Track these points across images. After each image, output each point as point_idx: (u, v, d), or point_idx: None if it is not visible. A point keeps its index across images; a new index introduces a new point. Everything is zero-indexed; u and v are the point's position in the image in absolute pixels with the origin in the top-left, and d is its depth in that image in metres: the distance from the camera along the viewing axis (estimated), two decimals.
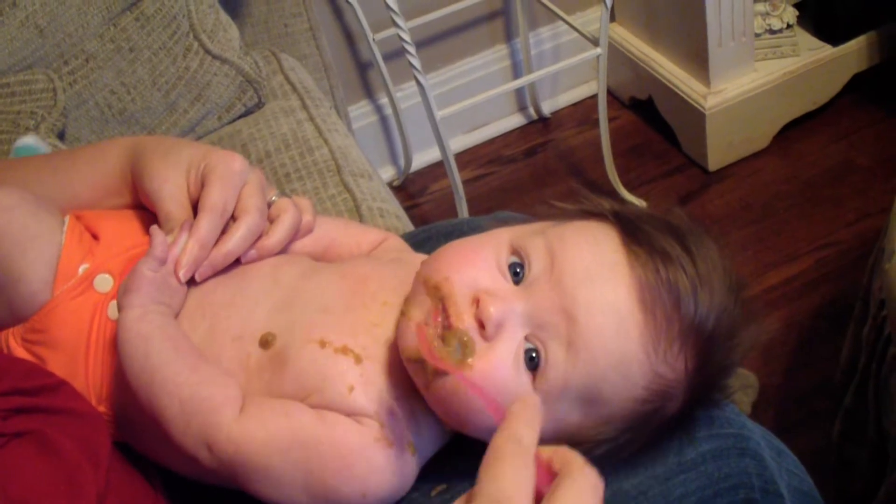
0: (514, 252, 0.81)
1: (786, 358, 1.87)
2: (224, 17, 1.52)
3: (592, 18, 2.41)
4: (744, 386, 1.72)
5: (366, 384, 0.82)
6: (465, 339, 0.77)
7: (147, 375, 0.80)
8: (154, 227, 0.87)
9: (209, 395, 0.79)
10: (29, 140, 1.19)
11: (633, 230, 0.80)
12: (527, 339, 0.78)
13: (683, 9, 2.18)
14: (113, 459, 0.83)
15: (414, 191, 2.41)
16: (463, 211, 2.11)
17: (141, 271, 0.84)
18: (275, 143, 1.43)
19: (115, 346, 0.84)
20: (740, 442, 0.85)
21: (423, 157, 2.43)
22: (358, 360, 0.82)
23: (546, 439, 0.77)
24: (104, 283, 0.89)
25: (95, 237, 0.92)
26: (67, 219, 0.92)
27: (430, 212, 2.34)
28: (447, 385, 0.77)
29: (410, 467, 0.83)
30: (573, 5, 2.43)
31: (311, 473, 0.78)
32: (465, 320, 0.77)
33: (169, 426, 0.79)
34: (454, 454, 0.86)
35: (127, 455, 0.88)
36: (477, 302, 0.78)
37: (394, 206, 1.36)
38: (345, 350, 0.83)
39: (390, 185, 2.41)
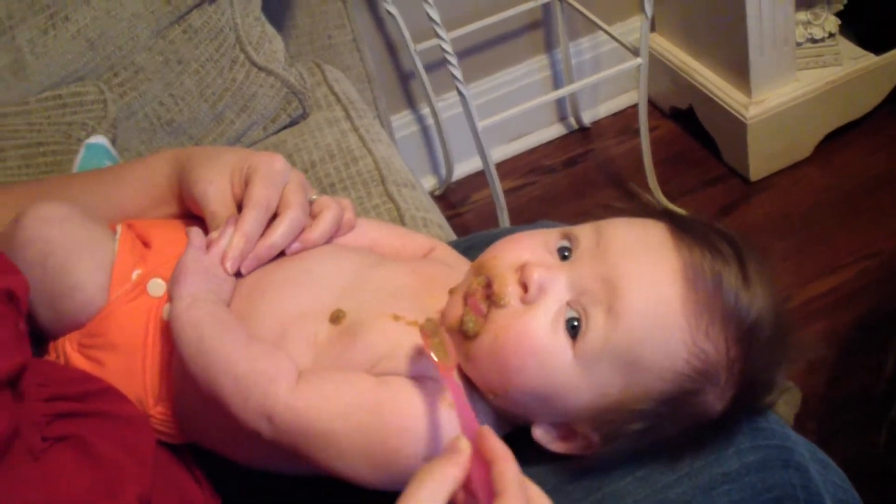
0: (564, 237, 0.85)
1: (827, 369, 1.86)
2: (269, 29, 1.54)
3: (632, 28, 2.41)
4: (786, 397, 1.71)
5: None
6: (501, 301, 0.80)
7: (202, 359, 0.81)
8: (190, 228, 0.90)
9: (264, 368, 0.80)
10: (99, 138, 1.23)
11: (683, 226, 0.83)
12: (569, 305, 0.80)
13: (724, 18, 2.18)
14: (158, 461, 0.85)
15: (455, 200, 2.42)
16: (504, 220, 2.12)
17: (185, 262, 0.86)
18: (319, 153, 1.45)
19: (170, 347, 0.87)
20: (785, 454, 0.85)
21: (464, 166, 2.44)
22: (427, 343, 0.84)
23: (587, 410, 0.81)
24: (157, 287, 0.91)
25: (147, 244, 0.95)
26: (120, 227, 0.95)
27: (471, 221, 2.35)
28: (482, 345, 0.80)
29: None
30: (613, 15, 2.43)
31: (373, 437, 0.79)
32: (507, 285, 0.81)
33: (229, 404, 0.80)
34: None
35: (177, 459, 0.90)
36: (521, 269, 0.81)
37: (436, 215, 1.37)
38: (416, 324, 0.84)
39: (431, 194, 2.42)
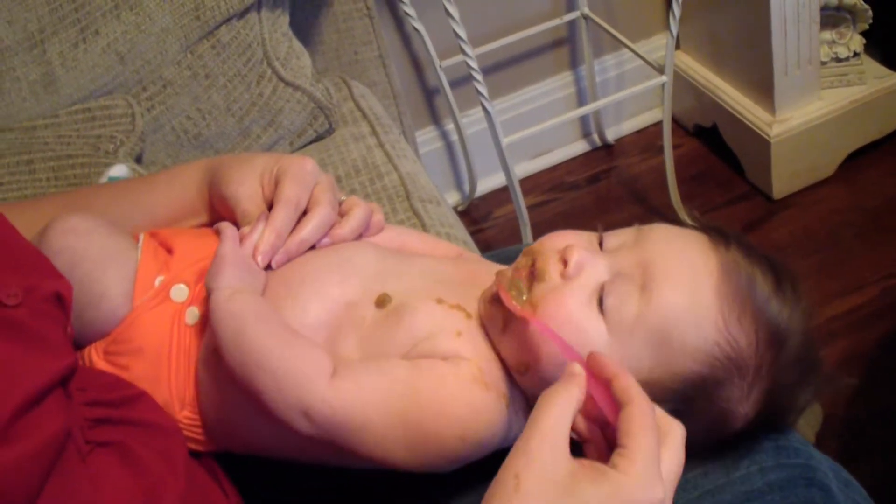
0: (602, 235, 0.88)
1: (850, 390, 1.86)
2: (297, 45, 1.56)
3: (657, 46, 2.42)
4: (807, 415, 1.71)
5: (472, 334, 0.86)
6: (543, 276, 0.84)
7: (240, 352, 0.82)
8: (222, 223, 0.92)
9: (300, 364, 0.81)
10: (121, 170, 1.23)
11: (721, 237, 0.86)
12: (605, 286, 0.83)
13: (749, 37, 2.18)
14: (189, 470, 0.86)
15: (478, 216, 2.43)
16: (527, 236, 2.12)
17: (223, 253, 0.87)
18: (345, 168, 1.46)
19: (195, 351, 0.89)
20: (807, 472, 0.86)
21: (488, 182, 2.45)
22: (468, 316, 0.87)
23: None
24: (180, 292, 0.92)
25: (169, 251, 0.96)
26: (142, 236, 0.96)
27: (494, 237, 2.35)
28: (519, 326, 0.83)
29: (505, 417, 0.84)
30: (638, 33, 2.44)
31: (410, 422, 0.80)
32: (549, 263, 0.85)
33: (265, 398, 0.81)
34: None
35: (203, 468, 0.90)
36: (564, 251, 0.85)
37: (461, 231, 1.38)
38: (458, 307, 0.87)
39: (455, 209, 2.43)
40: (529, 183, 2.46)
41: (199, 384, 0.89)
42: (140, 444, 0.80)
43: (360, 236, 0.96)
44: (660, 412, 0.73)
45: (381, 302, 0.88)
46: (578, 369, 0.73)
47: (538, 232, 2.19)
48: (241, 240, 0.90)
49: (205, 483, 0.89)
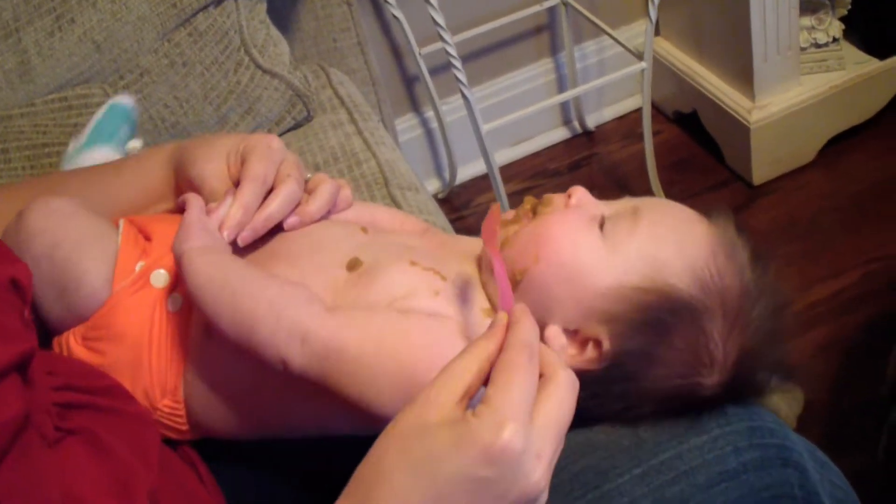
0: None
1: (831, 374, 1.86)
2: (274, 32, 1.55)
3: (637, 33, 2.42)
4: (788, 399, 1.71)
5: (449, 294, 0.86)
6: (547, 205, 0.90)
7: (229, 290, 0.82)
8: (188, 194, 0.92)
9: (296, 291, 0.82)
10: (125, 99, 1.22)
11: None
12: (604, 217, 0.88)
13: (729, 23, 2.19)
14: (163, 459, 0.85)
15: (459, 204, 2.43)
16: None
17: (189, 220, 0.87)
18: (323, 155, 1.46)
19: (176, 338, 0.88)
20: (783, 452, 0.86)
21: (468, 170, 2.45)
22: (444, 278, 0.87)
23: (604, 298, 0.85)
24: (160, 278, 0.91)
25: (148, 238, 0.95)
26: (122, 222, 0.96)
27: (475, 225, 2.35)
28: (525, 230, 0.88)
29: None
30: (618, 20, 2.44)
31: (404, 362, 0.79)
32: (553, 195, 0.91)
33: (260, 327, 0.80)
34: None
35: (181, 458, 0.90)
36: (568, 190, 0.91)
37: (440, 219, 1.38)
38: (433, 270, 0.87)
39: (435, 197, 2.43)
40: (511, 170, 2.46)
41: (187, 369, 0.88)
42: (111, 433, 0.79)
43: (328, 213, 0.96)
44: (550, 359, 0.71)
45: (353, 265, 0.88)
46: (503, 318, 0.72)
47: None
48: (208, 213, 0.90)
49: (181, 471, 0.88)
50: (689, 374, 0.85)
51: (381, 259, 0.88)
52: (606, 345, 0.85)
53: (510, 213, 0.92)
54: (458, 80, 1.89)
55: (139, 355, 0.89)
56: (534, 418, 0.67)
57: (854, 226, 2.17)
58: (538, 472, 0.67)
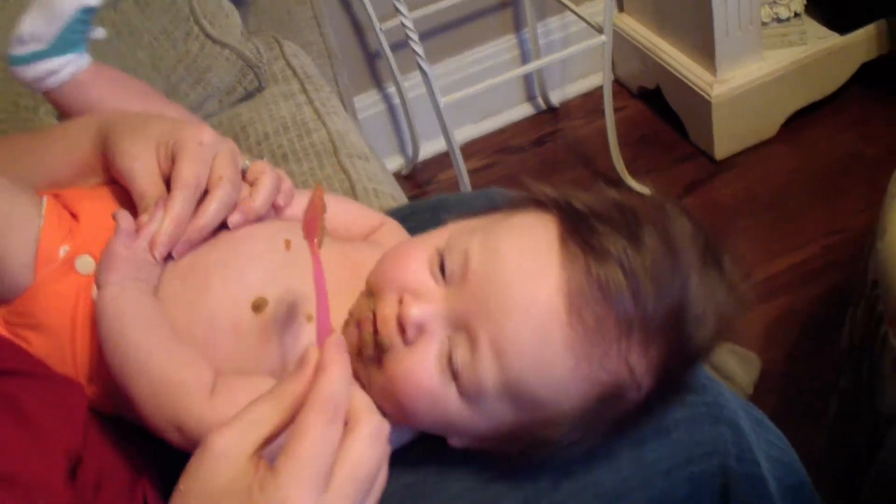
0: (441, 253, 0.81)
1: (788, 344, 1.87)
2: (227, 3, 1.54)
3: (600, 9, 2.40)
4: (745, 367, 1.72)
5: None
6: (385, 345, 0.78)
7: (120, 355, 0.80)
8: (118, 211, 0.86)
9: (179, 379, 0.79)
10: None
11: (575, 224, 0.78)
12: (449, 340, 0.78)
13: None
14: (93, 426, 0.84)
15: (422, 180, 2.42)
16: None
17: (114, 249, 0.83)
18: (273, 125, 1.45)
19: None
20: (714, 409, 0.85)
21: (432, 146, 2.44)
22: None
23: (489, 433, 0.80)
24: (86, 264, 0.88)
25: (74, 217, 0.91)
26: (45, 200, 0.91)
27: None
28: (378, 386, 0.80)
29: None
30: None
31: None
32: (389, 326, 0.79)
33: (140, 406, 0.79)
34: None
35: (118, 430, 0.89)
36: (400, 303, 0.79)
37: (390, 187, 1.37)
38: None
39: (398, 174, 2.42)
40: (474, 147, 2.45)
41: (105, 361, 0.85)
42: (31, 396, 0.79)
43: (278, 210, 0.93)
44: (355, 406, 0.67)
45: (258, 307, 0.84)
46: (312, 357, 0.68)
47: None
48: (138, 230, 0.85)
49: (114, 444, 0.87)
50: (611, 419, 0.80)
51: (283, 305, 0.84)
52: (514, 451, 0.80)
53: (354, 319, 0.82)
54: (414, 52, 1.88)
55: (62, 344, 0.86)
56: (330, 482, 0.64)
57: (815, 200, 2.18)
58: None
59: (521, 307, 0.75)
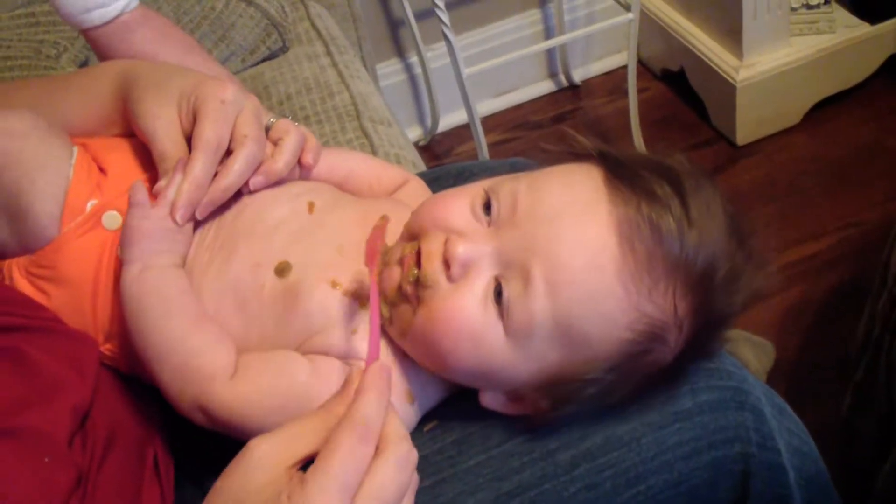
0: (487, 195, 0.80)
1: (802, 333, 1.86)
2: None
3: None
4: (759, 353, 1.71)
5: (363, 333, 0.81)
6: (428, 282, 0.77)
7: (142, 339, 0.80)
8: (133, 184, 0.84)
9: (199, 364, 0.79)
10: None
11: (619, 170, 0.78)
12: (496, 279, 0.77)
13: None
14: (105, 383, 0.83)
15: (440, 151, 2.41)
16: None
17: (130, 223, 0.82)
18: (296, 86, 1.43)
19: None
20: (739, 395, 0.84)
21: (451, 118, 2.43)
22: (363, 305, 0.82)
23: (528, 379, 0.79)
24: (112, 220, 0.87)
25: (103, 170, 0.90)
26: (76, 150, 0.90)
27: None
28: (417, 327, 0.79)
29: (408, 415, 0.82)
30: None
31: None
32: (433, 263, 0.78)
33: (165, 390, 0.80)
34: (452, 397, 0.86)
35: (131, 389, 0.88)
36: (445, 244, 0.78)
37: (411, 153, 1.36)
38: (355, 294, 0.82)
39: (416, 145, 2.40)
40: (494, 121, 2.43)
41: (125, 320, 0.83)
42: (38, 349, 0.77)
43: (306, 171, 0.92)
44: (388, 431, 0.67)
45: (281, 271, 0.83)
46: (355, 381, 0.69)
47: None
48: (158, 195, 0.83)
49: (127, 398, 0.86)
50: (641, 378, 0.80)
51: (308, 268, 0.83)
52: (546, 404, 0.80)
53: (394, 259, 0.81)
54: (440, 20, 1.86)
55: (82, 300, 0.85)
56: (355, 500, 0.64)
57: (833, 191, 2.16)
58: None
59: (574, 239, 0.75)
